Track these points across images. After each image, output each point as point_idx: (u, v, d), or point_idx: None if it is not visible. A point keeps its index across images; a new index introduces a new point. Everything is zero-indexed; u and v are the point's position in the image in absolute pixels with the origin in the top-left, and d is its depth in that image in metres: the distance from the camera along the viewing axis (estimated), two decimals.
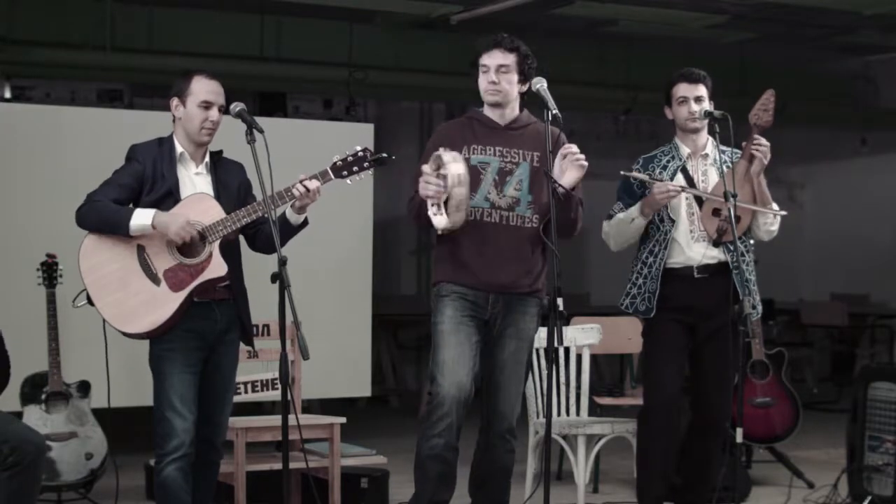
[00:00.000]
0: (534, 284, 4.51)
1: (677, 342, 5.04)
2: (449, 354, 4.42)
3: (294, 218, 4.34)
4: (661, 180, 4.90)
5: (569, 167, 4.37)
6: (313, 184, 4.24)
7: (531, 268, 4.49)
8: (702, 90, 5.03)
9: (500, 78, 4.48)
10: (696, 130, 5.07)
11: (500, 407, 4.53)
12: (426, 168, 4.33)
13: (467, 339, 4.45)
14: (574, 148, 4.38)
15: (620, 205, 5.07)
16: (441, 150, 4.33)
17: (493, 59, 4.49)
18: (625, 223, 4.99)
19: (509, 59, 4.48)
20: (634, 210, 4.97)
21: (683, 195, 5.02)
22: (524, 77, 4.52)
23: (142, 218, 4.17)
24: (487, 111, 4.58)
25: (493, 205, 4.44)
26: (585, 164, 4.38)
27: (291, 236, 4.38)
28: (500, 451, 4.55)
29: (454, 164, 4.26)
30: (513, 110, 4.56)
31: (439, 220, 4.33)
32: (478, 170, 4.45)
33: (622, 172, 4.97)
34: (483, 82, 4.53)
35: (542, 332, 4.48)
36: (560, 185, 4.34)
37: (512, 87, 4.50)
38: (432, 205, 4.34)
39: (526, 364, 4.59)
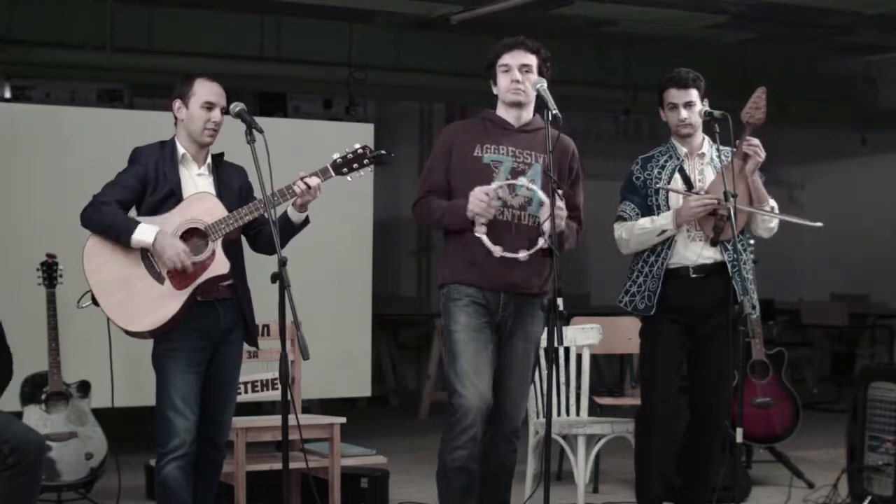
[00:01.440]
0: (543, 286, 4.47)
1: (675, 341, 5.03)
2: (469, 364, 4.37)
3: (296, 216, 4.35)
4: (698, 193, 4.89)
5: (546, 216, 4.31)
6: (314, 180, 4.25)
7: (542, 269, 4.45)
8: (692, 95, 5.01)
9: (522, 77, 4.45)
10: (689, 135, 5.07)
11: (507, 409, 4.49)
12: (490, 190, 4.27)
13: (484, 346, 4.41)
14: (560, 205, 4.30)
15: (631, 205, 5.04)
16: (527, 182, 4.30)
17: (516, 58, 4.45)
18: (651, 233, 4.95)
19: (531, 59, 4.46)
20: (665, 221, 4.93)
21: (680, 196, 5.01)
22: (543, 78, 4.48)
23: (145, 234, 4.17)
24: (502, 112, 4.53)
25: (505, 203, 4.39)
26: (561, 221, 4.31)
27: (293, 235, 4.39)
28: (502, 452, 4.52)
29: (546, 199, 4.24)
30: (529, 113, 4.52)
31: (492, 244, 4.28)
32: (490, 168, 4.41)
33: (659, 186, 4.94)
34: (505, 81, 4.47)
35: (543, 332, 4.46)
36: (561, 185, 4.31)
37: (533, 87, 4.46)
38: (481, 225, 4.30)
39: (532, 366, 4.57)
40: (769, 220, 5.05)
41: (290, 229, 4.36)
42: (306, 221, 4.39)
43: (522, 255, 4.28)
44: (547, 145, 4.29)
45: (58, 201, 6.11)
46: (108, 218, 4.19)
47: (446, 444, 4.40)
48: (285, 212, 4.36)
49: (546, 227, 4.25)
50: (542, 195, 4.29)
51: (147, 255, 4.23)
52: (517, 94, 4.46)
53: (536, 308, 4.50)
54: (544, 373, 5.54)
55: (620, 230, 5.05)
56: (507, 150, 4.45)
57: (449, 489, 4.42)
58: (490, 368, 4.41)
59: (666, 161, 5.09)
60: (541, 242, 4.27)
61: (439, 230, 4.60)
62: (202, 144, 4.35)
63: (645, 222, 4.99)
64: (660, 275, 4.99)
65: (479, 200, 4.28)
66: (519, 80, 4.44)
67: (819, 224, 5.01)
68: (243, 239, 4.46)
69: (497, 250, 4.29)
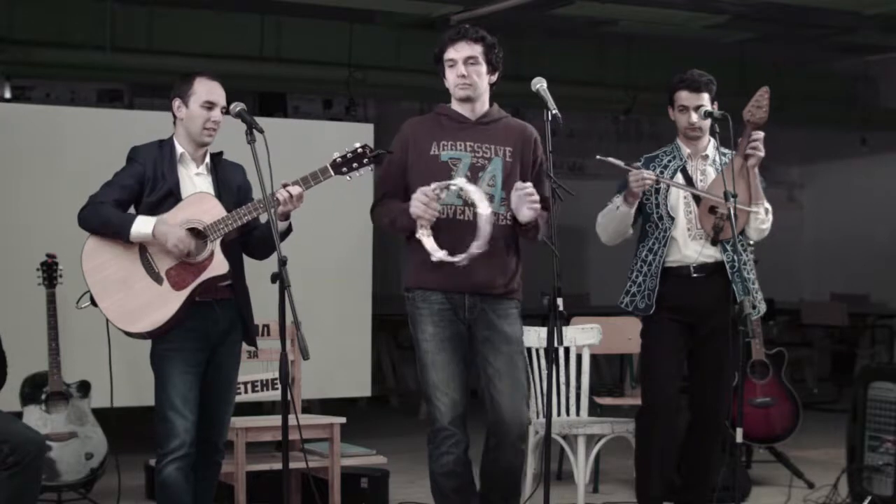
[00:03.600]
0: (509, 285, 4.39)
1: (675, 341, 5.04)
2: (438, 376, 4.33)
3: (279, 224, 4.24)
4: (636, 168, 4.88)
5: (522, 206, 4.22)
6: (296, 189, 4.21)
7: (505, 268, 4.37)
8: (704, 98, 5.00)
9: (469, 70, 4.34)
10: (697, 138, 5.07)
11: (504, 415, 4.37)
12: (429, 190, 4.19)
13: (454, 355, 4.35)
14: (529, 188, 4.21)
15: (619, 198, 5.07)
16: (464, 183, 4.19)
17: (460, 51, 4.35)
18: (612, 211, 4.98)
19: (476, 49, 4.35)
20: (618, 198, 4.96)
21: (681, 195, 5.02)
22: (492, 68, 4.39)
23: (143, 226, 4.17)
24: (456, 106, 4.43)
25: (465, 202, 4.29)
26: (538, 206, 4.22)
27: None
28: (509, 455, 4.41)
29: (485, 206, 4.11)
30: (483, 104, 4.42)
31: (432, 247, 4.20)
32: (448, 166, 4.32)
33: (598, 157, 4.91)
34: (451, 76, 4.38)
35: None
36: (561, 185, 4.28)
37: (482, 79, 4.36)
38: (422, 227, 4.22)
39: (522, 366, 4.46)
40: (761, 221, 5.04)
41: (272, 237, 4.32)
42: (289, 230, 4.34)
43: (460, 258, 4.16)
44: (547, 146, 4.25)
45: (58, 201, 6.11)
46: (105, 216, 4.18)
47: (431, 453, 4.39)
48: (268, 220, 4.32)
49: (484, 231, 4.10)
50: (483, 206, 4.13)
51: (146, 256, 4.22)
52: (465, 89, 4.37)
53: (509, 309, 4.40)
54: (544, 373, 5.55)
55: (599, 217, 5.06)
56: (465, 146, 4.36)
57: (442, 494, 4.41)
58: (462, 374, 4.35)
59: (669, 161, 5.09)
60: (474, 247, 4.13)
61: (396, 235, 4.49)
62: (201, 144, 4.34)
63: (610, 205, 4.99)
64: (657, 273, 5.00)
65: (419, 202, 4.19)
66: (465, 74, 4.34)
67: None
68: None
69: (438, 254, 4.19)
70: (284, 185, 4.20)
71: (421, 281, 4.37)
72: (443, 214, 4.26)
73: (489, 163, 4.35)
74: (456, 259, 4.17)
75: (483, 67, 4.37)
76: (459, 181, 4.22)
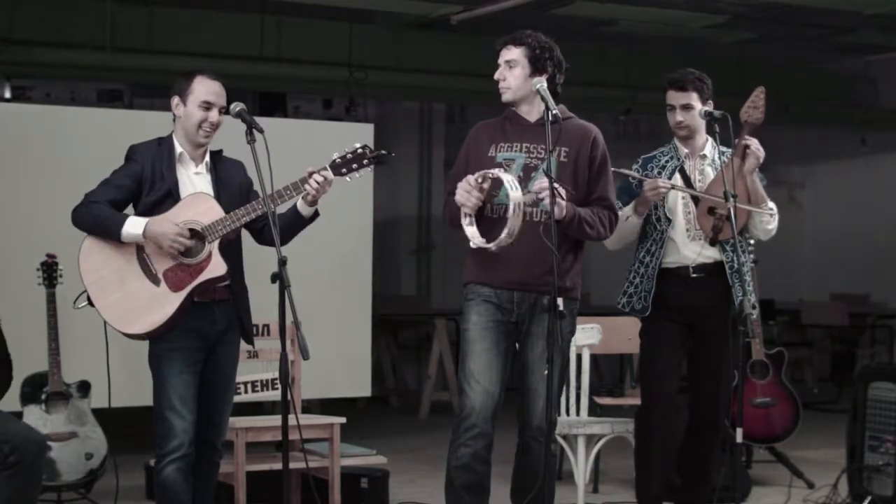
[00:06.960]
0: (560, 282, 4.32)
1: (674, 341, 5.04)
2: (475, 364, 4.36)
3: (306, 211, 4.34)
4: (651, 177, 4.89)
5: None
6: (329, 174, 4.25)
7: (556, 265, 4.37)
8: (690, 97, 5.00)
9: (505, 74, 4.42)
10: (686, 138, 5.07)
11: (530, 409, 4.41)
12: (470, 178, 4.27)
13: (494, 346, 4.38)
14: (544, 184, 4.22)
15: (619, 204, 5.06)
16: (500, 173, 4.24)
17: (502, 56, 4.45)
18: (620, 222, 4.98)
19: (514, 53, 4.41)
20: (628, 209, 4.96)
21: (680, 195, 5.02)
22: (538, 69, 4.39)
23: (134, 227, 4.17)
24: (517, 109, 4.49)
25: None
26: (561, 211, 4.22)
27: (303, 228, 4.40)
28: (535, 452, 4.41)
29: (515, 193, 4.16)
30: (539, 105, 4.41)
31: (472, 233, 4.29)
32: (502, 166, 4.37)
33: (612, 169, 4.94)
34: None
35: (567, 330, 4.42)
36: (561, 184, 4.28)
37: (520, 81, 4.40)
38: (466, 215, 4.30)
39: (561, 365, 4.38)
40: (767, 222, 5.06)
41: (300, 223, 4.37)
42: (316, 214, 4.38)
43: (493, 244, 4.22)
44: (548, 145, 4.25)
45: (58, 201, 6.07)
46: (97, 215, 4.19)
47: (451, 443, 4.38)
48: (294, 206, 4.35)
49: (512, 220, 4.16)
50: (512, 192, 4.17)
51: (142, 256, 4.22)
52: (503, 92, 4.45)
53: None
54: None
55: None
56: (522, 147, 4.41)
57: (451, 487, 4.38)
58: (499, 365, 4.37)
59: (667, 161, 5.10)
60: (503, 234, 4.19)
61: (458, 227, 4.55)
62: (197, 144, 4.34)
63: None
64: (653, 275, 5.01)
65: (462, 190, 4.28)
66: (501, 77, 4.43)
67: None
68: (245, 232, 4.44)
69: (476, 240, 4.27)
70: (311, 174, 4.24)
71: (473, 275, 4.46)
72: (493, 214, 4.35)
73: (542, 163, 4.36)
74: (490, 245, 4.23)
75: (521, 70, 4.41)
76: (496, 170, 4.28)
